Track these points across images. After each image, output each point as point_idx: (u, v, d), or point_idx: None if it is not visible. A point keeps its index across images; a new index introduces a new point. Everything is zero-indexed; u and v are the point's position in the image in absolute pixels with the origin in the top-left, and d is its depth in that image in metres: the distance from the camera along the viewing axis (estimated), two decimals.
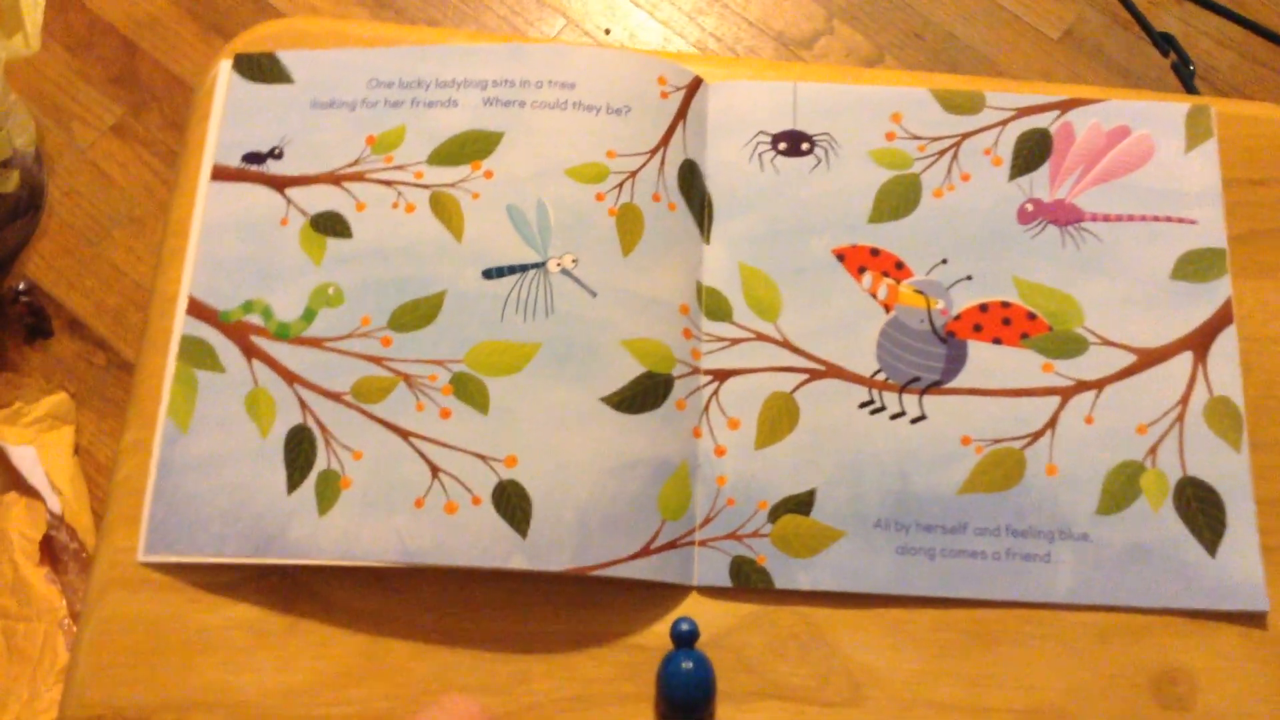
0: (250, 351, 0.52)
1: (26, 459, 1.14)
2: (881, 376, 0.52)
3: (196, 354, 0.52)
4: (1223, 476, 0.51)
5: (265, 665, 0.48)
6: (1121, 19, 1.37)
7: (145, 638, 0.49)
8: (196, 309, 0.53)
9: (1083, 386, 0.52)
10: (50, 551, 1.12)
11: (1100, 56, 1.36)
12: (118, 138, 1.30)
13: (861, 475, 0.51)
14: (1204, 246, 0.54)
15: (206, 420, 0.51)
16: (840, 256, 0.54)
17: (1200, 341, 0.52)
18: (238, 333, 0.52)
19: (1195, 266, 0.53)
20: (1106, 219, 0.54)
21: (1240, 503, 0.50)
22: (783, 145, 0.56)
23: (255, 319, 0.52)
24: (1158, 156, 0.55)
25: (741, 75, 0.57)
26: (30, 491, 1.13)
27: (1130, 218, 0.54)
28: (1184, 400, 0.51)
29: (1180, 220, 0.54)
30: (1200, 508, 0.50)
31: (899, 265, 0.54)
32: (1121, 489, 0.50)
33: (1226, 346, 0.52)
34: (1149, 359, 0.52)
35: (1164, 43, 1.35)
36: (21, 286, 1.24)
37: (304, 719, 0.47)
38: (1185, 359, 0.52)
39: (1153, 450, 0.51)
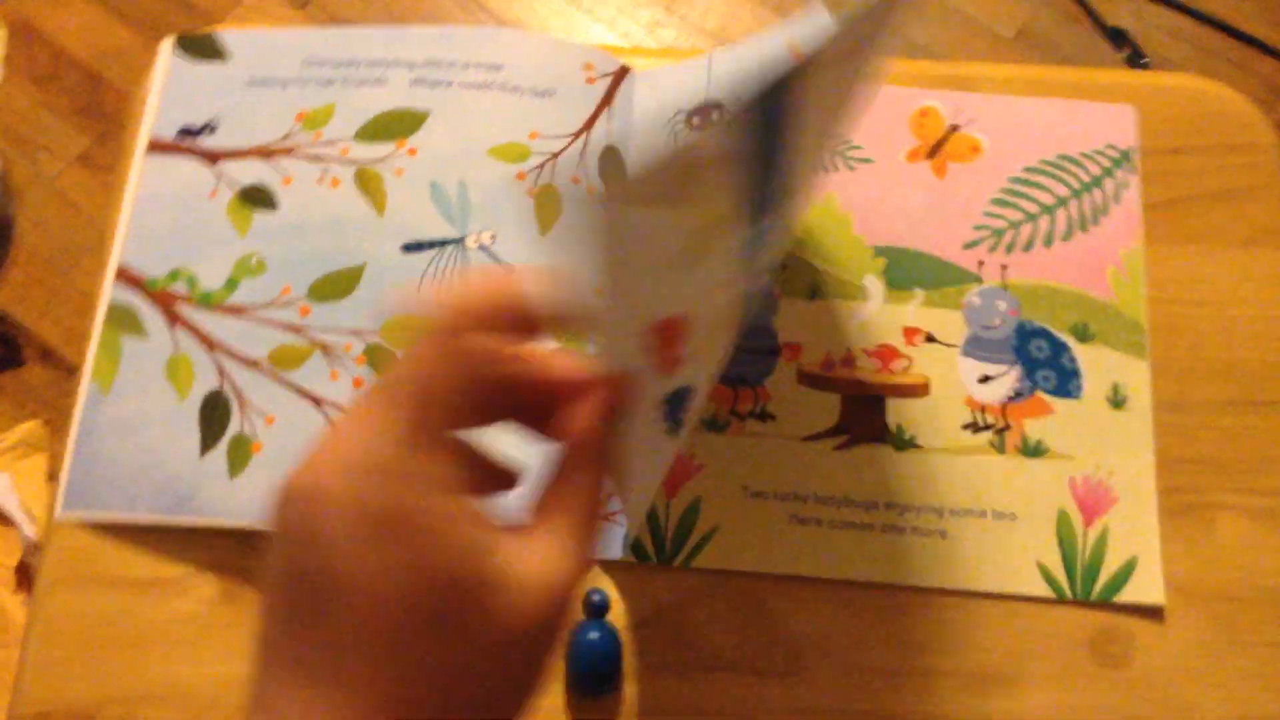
0: (174, 319, 0.53)
1: (0, 486, 1.14)
2: None
3: (122, 320, 0.53)
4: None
5: (211, 656, 0.49)
6: (1074, 15, 1.39)
7: (92, 633, 0.49)
8: (125, 276, 0.54)
9: None
10: (26, 578, 1.12)
11: (1055, 53, 1.38)
12: (84, 167, 1.32)
13: None
14: None
15: (127, 383, 0.52)
16: None
17: None
18: (163, 300, 0.53)
19: None
20: None
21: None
22: (695, 120, 0.56)
23: (180, 287, 0.53)
24: None
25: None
26: (4, 519, 1.13)
27: None
28: None
29: None
30: None
31: None
32: None
33: None
34: None
35: (1117, 37, 1.37)
36: None
37: None
38: None
39: None
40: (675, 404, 0.39)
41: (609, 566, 0.50)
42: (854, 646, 0.49)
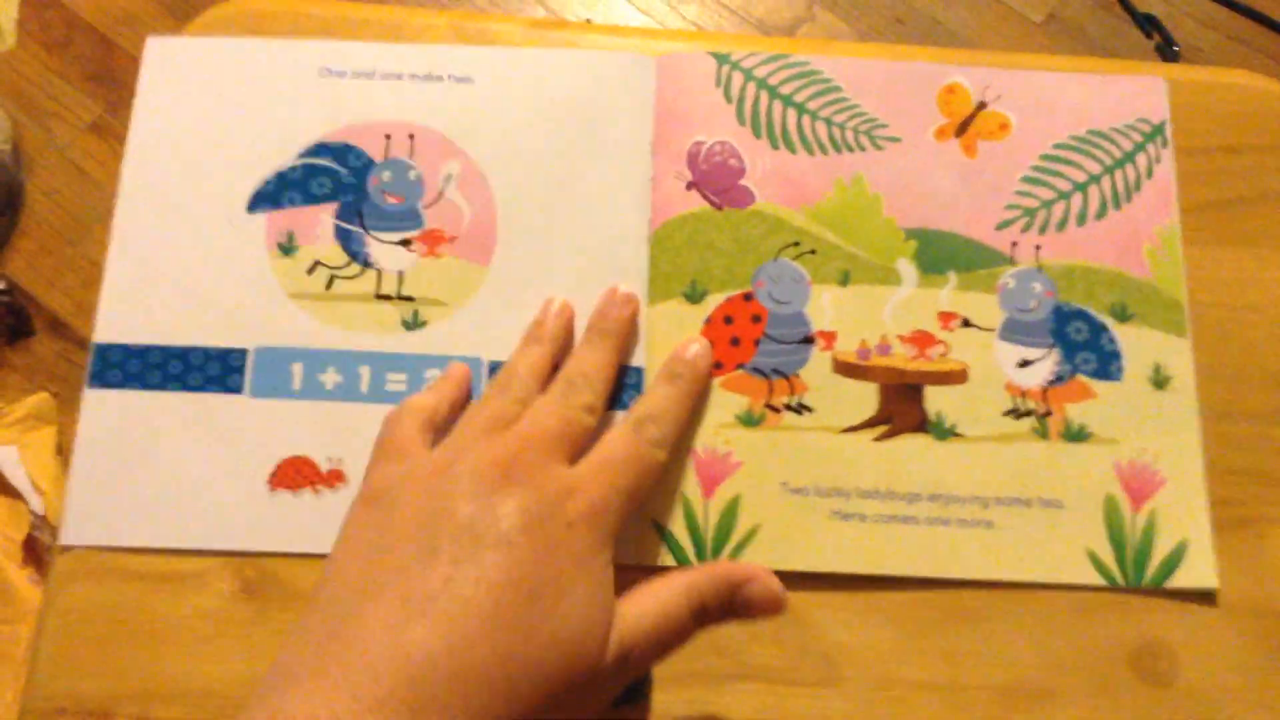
0: None
1: (8, 459, 1.13)
2: None
3: None
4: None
5: (229, 655, 0.47)
6: (1104, 1, 1.37)
7: (108, 627, 0.48)
8: None
9: None
10: (33, 553, 1.12)
11: (1083, 39, 1.36)
12: (96, 135, 1.30)
13: None
14: None
15: None
16: None
17: None
18: None
19: None
20: None
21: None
22: None
23: None
24: None
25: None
26: (12, 492, 1.12)
27: None
28: None
29: None
30: None
31: None
32: None
33: None
34: None
35: (1147, 24, 1.35)
36: (1, 286, 1.23)
37: None
38: None
39: None
40: None
41: (646, 572, 0.48)
42: (890, 658, 0.48)
